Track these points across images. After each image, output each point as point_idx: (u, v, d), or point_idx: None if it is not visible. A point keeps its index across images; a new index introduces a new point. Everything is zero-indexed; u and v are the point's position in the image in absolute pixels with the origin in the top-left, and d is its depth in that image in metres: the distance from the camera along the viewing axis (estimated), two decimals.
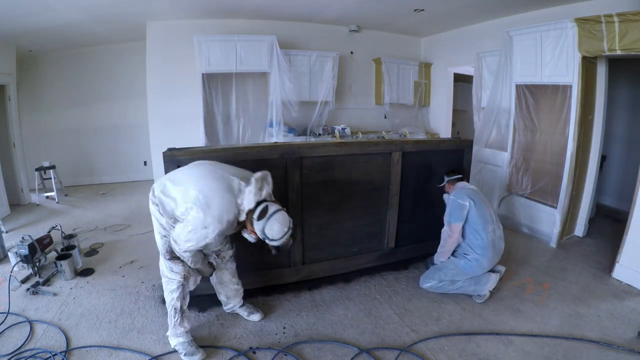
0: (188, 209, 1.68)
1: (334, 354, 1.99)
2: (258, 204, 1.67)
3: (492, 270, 2.56)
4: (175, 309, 1.95)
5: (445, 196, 2.76)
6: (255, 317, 2.28)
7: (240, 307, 2.30)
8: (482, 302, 2.49)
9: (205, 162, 1.91)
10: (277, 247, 1.72)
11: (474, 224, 2.47)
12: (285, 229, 1.67)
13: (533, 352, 2.01)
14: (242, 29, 4.86)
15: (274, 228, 1.65)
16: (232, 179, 1.72)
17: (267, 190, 1.73)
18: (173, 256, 1.89)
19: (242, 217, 1.70)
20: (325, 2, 4.38)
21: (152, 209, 1.85)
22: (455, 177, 2.73)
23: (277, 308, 2.43)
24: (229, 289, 2.24)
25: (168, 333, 2.01)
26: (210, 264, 2.06)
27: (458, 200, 2.50)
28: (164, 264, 1.94)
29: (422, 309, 2.44)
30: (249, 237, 1.82)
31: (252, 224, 1.70)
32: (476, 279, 2.50)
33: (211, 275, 2.11)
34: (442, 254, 2.63)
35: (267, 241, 1.71)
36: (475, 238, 2.46)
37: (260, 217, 1.66)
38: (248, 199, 1.66)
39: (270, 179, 1.79)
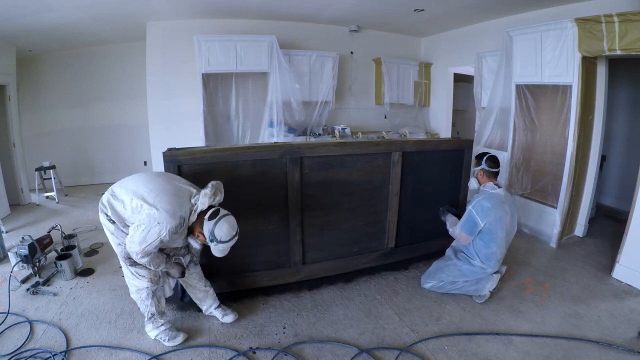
0: (138, 207, 1.70)
1: (333, 354, 1.99)
2: (210, 207, 1.77)
3: None
4: (151, 314, 1.99)
5: (471, 183, 2.61)
6: (229, 318, 2.25)
7: (216, 308, 2.28)
8: (482, 302, 2.49)
9: (152, 171, 2.00)
10: (218, 252, 1.80)
11: (488, 239, 2.41)
12: (233, 233, 1.75)
13: (533, 352, 2.01)
14: (242, 29, 4.86)
15: (223, 229, 1.72)
16: (179, 183, 1.84)
17: (219, 198, 1.81)
18: (134, 261, 1.84)
19: (194, 218, 1.76)
20: (325, 2, 4.38)
21: (101, 218, 1.85)
22: (494, 170, 2.51)
23: (277, 308, 2.43)
24: (197, 291, 2.23)
25: (146, 328, 2.06)
26: (179, 264, 2.01)
27: (475, 215, 2.38)
28: (127, 272, 1.93)
29: (422, 309, 2.44)
30: (194, 242, 1.89)
31: (201, 226, 1.76)
32: (477, 279, 2.49)
33: (183, 275, 2.04)
34: (447, 223, 2.69)
35: (213, 244, 1.75)
36: (486, 249, 2.43)
37: (211, 218, 1.73)
38: (202, 201, 1.73)
39: (223, 190, 1.85)
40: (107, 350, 1.99)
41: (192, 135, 4.60)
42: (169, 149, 2.28)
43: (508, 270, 2.79)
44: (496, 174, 2.54)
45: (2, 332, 2.14)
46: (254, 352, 2.00)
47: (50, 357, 1.92)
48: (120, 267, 2.99)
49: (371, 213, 2.79)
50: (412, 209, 2.91)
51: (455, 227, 2.56)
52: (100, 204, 1.84)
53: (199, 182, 2.25)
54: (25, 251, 2.71)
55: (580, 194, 3.60)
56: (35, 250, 2.79)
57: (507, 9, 4.28)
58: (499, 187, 2.50)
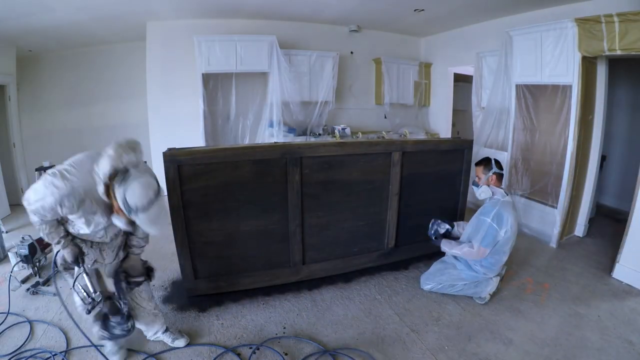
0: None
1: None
2: (117, 172, 1.38)
3: None
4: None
5: (484, 192, 2.47)
6: (180, 342, 2.02)
7: (164, 333, 2.04)
8: (483, 303, 2.49)
9: None
10: (148, 226, 1.43)
11: (497, 248, 2.38)
12: (151, 194, 1.37)
13: (533, 352, 2.02)
14: (242, 29, 4.86)
15: (136, 192, 1.34)
16: (99, 152, 1.45)
17: (130, 158, 1.40)
18: None
19: (100, 189, 1.39)
20: (325, 2, 4.37)
21: None
22: (503, 172, 2.51)
23: (277, 308, 2.43)
24: (146, 314, 1.94)
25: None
26: (76, 245, 1.59)
27: (496, 227, 2.32)
28: None
29: (422, 309, 2.44)
30: (118, 222, 1.48)
31: (115, 197, 1.38)
32: (476, 282, 2.49)
33: (76, 262, 1.57)
34: (450, 250, 2.52)
35: (134, 216, 1.38)
36: (494, 257, 2.41)
37: (120, 183, 1.36)
38: (102, 165, 1.35)
39: (137, 147, 1.48)
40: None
41: (192, 135, 4.59)
42: (169, 149, 2.29)
43: (508, 271, 2.79)
44: (502, 178, 2.53)
45: (2, 332, 2.14)
46: (254, 353, 2.00)
47: (50, 357, 1.92)
48: None
49: (371, 213, 2.79)
50: (412, 208, 2.91)
51: (461, 247, 2.45)
52: None
53: (199, 182, 2.26)
54: (25, 251, 2.71)
55: (580, 194, 3.59)
56: (35, 250, 2.78)
57: (507, 9, 4.27)
58: (507, 193, 2.48)
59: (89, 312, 1.66)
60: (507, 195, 2.46)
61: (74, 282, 1.61)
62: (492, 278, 2.49)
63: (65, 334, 2.12)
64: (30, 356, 1.93)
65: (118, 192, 1.36)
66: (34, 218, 1.50)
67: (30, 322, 2.22)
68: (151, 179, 1.42)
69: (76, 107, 5.82)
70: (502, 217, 2.33)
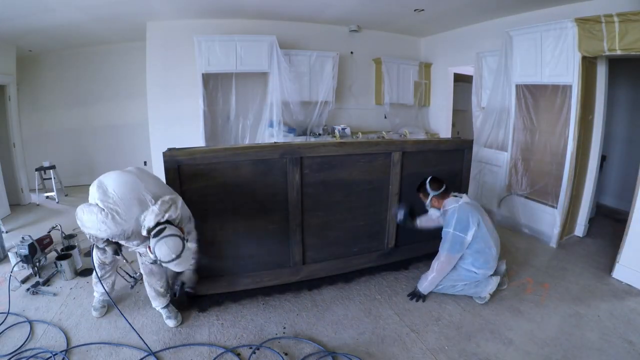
0: (95, 198, 1.80)
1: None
2: (159, 224, 1.73)
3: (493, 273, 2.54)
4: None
5: (431, 213, 2.60)
6: (171, 322, 2.24)
7: (163, 308, 2.27)
8: (483, 302, 2.49)
9: (132, 171, 1.97)
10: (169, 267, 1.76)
11: (478, 247, 2.40)
12: (173, 256, 1.68)
13: (533, 352, 2.02)
14: (242, 29, 4.86)
15: (162, 250, 1.67)
16: (145, 194, 1.80)
17: (171, 214, 1.77)
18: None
19: (144, 233, 1.75)
20: (326, 2, 4.38)
21: None
22: (441, 190, 2.51)
23: (277, 308, 2.44)
24: (152, 290, 2.24)
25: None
26: (115, 243, 1.99)
27: (460, 234, 2.36)
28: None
29: (422, 309, 2.44)
30: (152, 255, 1.79)
31: (149, 242, 1.74)
32: (476, 282, 2.49)
33: (116, 254, 2.05)
34: (430, 284, 2.51)
35: (160, 262, 1.73)
36: (480, 257, 2.42)
37: (154, 236, 1.70)
38: (149, 218, 1.72)
39: (180, 204, 1.84)
40: (108, 348, 2.00)
41: (192, 135, 4.59)
42: (169, 149, 2.28)
43: (508, 271, 2.79)
44: (447, 190, 2.54)
45: (2, 332, 2.14)
46: (254, 352, 2.00)
47: (50, 357, 1.92)
48: (120, 266, 2.95)
49: (371, 213, 2.78)
50: (412, 208, 2.90)
51: (433, 265, 2.49)
52: None
53: (199, 182, 2.26)
54: (25, 251, 2.71)
55: (580, 194, 3.59)
56: (35, 250, 2.79)
57: (507, 9, 4.28)
58: (459, 196, 2.50)
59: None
60: (461, 197, 2.49)
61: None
62: (491, 277, 2.49)
63: (65, 333, 2.12)
64: (31, 356, 1.93)
65: (151, 242, 1.70)
66: (85, 232, 1.85)
67: (30, 322, 2.22)
68: (178, 241, 1.70)
69: (76, 107, 5.83)
70: (465, 222, 2.36)
